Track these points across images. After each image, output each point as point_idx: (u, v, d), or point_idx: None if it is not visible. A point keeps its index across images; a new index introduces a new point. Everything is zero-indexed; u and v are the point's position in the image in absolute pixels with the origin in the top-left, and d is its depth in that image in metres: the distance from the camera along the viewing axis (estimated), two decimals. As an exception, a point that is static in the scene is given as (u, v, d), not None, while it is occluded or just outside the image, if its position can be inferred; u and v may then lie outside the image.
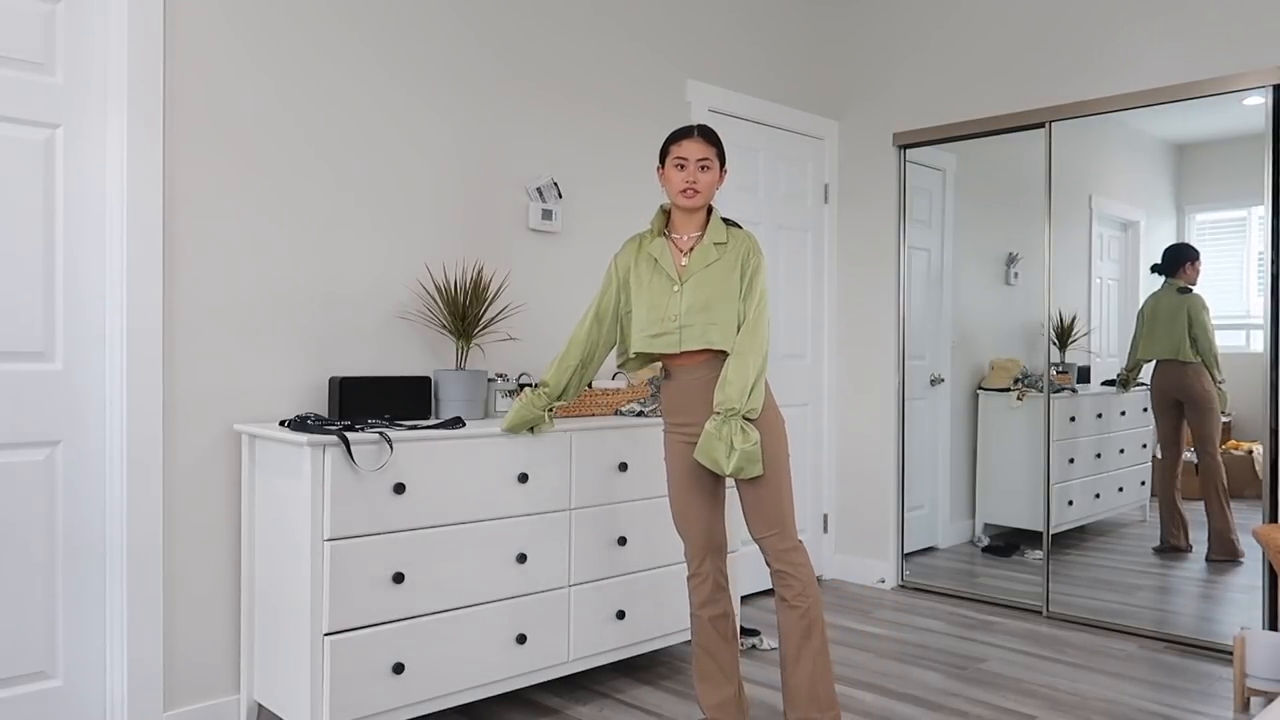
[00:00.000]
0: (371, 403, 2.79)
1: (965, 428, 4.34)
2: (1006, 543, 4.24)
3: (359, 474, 2.47)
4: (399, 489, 2.54)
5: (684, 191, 2.52)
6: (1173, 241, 3.70)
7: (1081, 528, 3.98)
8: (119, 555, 2.53)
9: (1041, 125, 3.99)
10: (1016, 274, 4.15)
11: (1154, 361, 3.75)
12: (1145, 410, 3.80)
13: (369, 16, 3.00)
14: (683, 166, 2.52)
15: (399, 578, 2.53)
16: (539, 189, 3.42)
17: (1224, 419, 3.61)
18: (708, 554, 2.62)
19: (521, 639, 2.80)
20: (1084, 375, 3.95)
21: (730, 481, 2.66)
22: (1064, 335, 3.98)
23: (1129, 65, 3.77)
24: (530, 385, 3.19)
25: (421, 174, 3.13)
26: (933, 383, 4.44)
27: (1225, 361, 3.58)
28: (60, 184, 2.49)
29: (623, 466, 3.06)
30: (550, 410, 2.75)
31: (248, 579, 2.70)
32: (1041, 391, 4.04)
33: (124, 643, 2.52)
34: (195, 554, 2.66)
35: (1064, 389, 3.98)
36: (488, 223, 3.31)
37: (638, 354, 2.62)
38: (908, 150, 4.45)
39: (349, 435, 2.45)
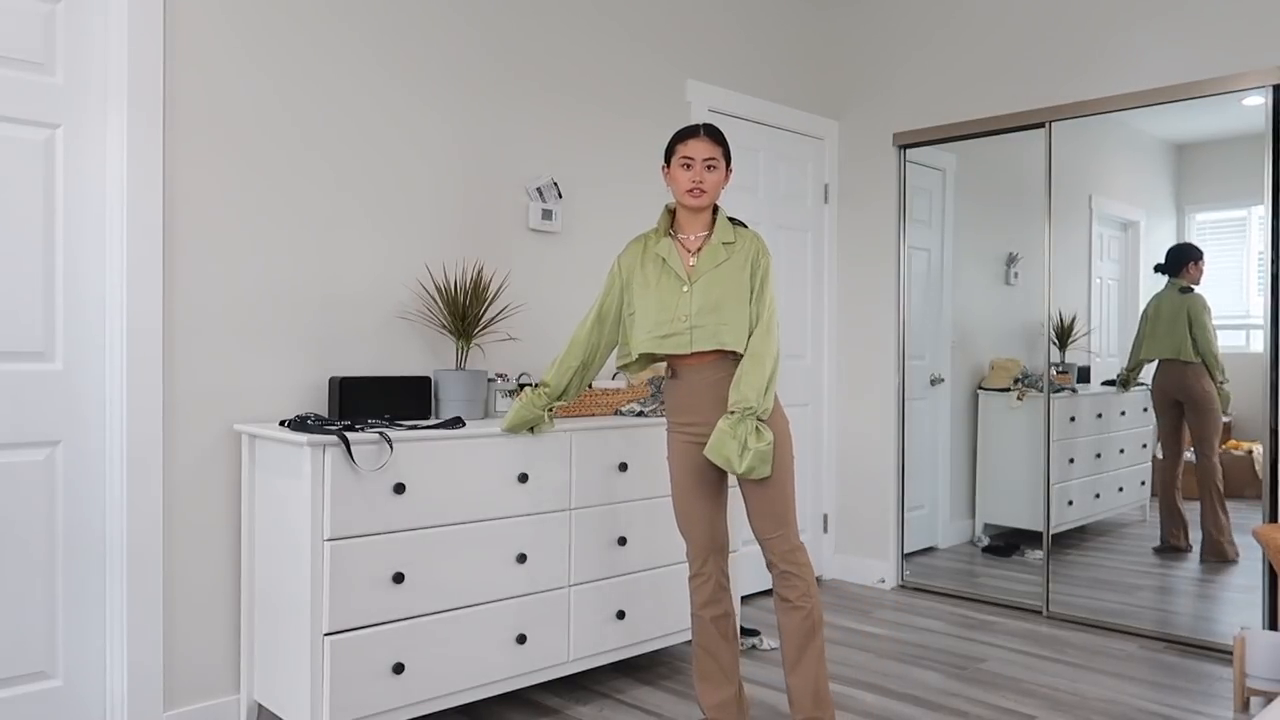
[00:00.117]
0: (371, 403, 2.79)
1: (965, 428, 4.34)
2: (1006, 543, 4.24)
3: (359, 474, 2.47)
4: (399, 489, 2.54)
5: (691, 191, 2.52)
6: (1173, 241, 3.70)
7: (1081, 528, 3.98)
8: (119, 555, 2.53)
9: (1041, 125, 3.99)
10: (1016, 274, 4.15)
11: (1156, 361, 3.75)
12: (1145, 410, 3.80)
13: (369, 16, 3.00)
14: (689, 166, 2.52)
15: (399, 578, 2.53)
16: (539, 189, 3.42)
17: (1224, 419, 3.61)
18: (710, 554, 2.62)
19: (521, 639, 2.80)
20: (1084, 375, 3.95)
21: (733, 481, 2.66)
22: (1064, 335, 3.98)
23: (1129, 65, 3.77)
24: (531, 385, 3.19)
25: (421, 174, 3.13)
26: (933, 383, 4.44)
27: (1225, 361, 3.58)
28: (60, 184, 2.49)
29: (623, 466, 3.06)
30: (550, 410, 2.75)
31: (248, 579, 2.70)
32: (1041, 391, 4.04)
33: (124, 643, 2.52)
34: (195, 554, 2.66)
35: (1064, 389, 3.98)
36: (488, 223, 3.31)
37: (642, 355, 2.60)
38: (908, 150, 4.45)
39: (349, 435, 2.45)
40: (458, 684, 2.67)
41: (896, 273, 4.47)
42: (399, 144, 3.08)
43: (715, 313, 2.49)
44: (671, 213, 2.64)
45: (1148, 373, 3.78)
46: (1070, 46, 3.93)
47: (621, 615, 3.06)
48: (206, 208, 2.68)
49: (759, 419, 2.42)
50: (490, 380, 3.11)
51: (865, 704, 3.00)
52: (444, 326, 3.03)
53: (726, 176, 2.58)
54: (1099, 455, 3.92)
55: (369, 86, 3.01)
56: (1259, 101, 3.45)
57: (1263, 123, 3.44)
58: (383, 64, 3.04)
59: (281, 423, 2.66)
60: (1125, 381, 3.81)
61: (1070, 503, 3.99)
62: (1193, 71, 3.60)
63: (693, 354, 2.52)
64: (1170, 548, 3.74)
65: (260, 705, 2.71)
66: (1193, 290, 3.63)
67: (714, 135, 2.55)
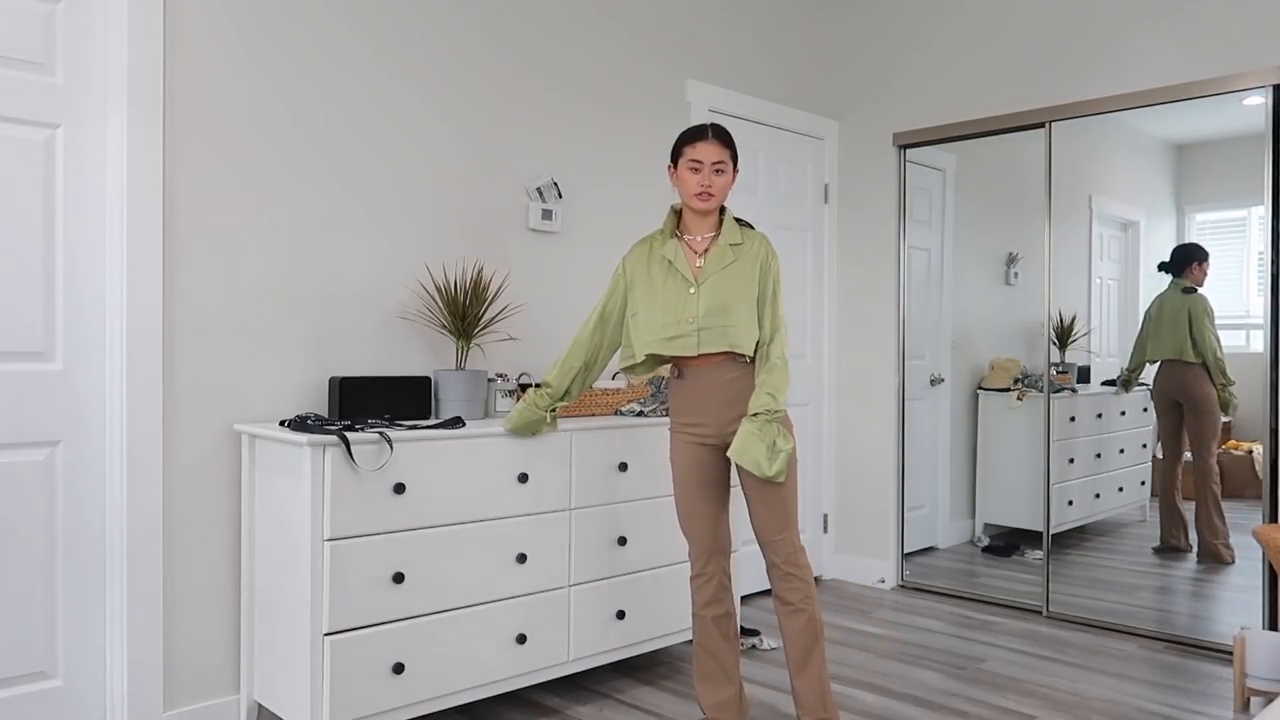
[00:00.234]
0: (371, 403, 2.79)
1: (965, 428, 4.34)
2: (1006, 543, 4.24)
3: (359, 474, 2.47)
4: (399, 489, 2.54)
5: (699, 195, 2.51)
6: (1173, 241, 3.70)
7: (1081, 528, 3.98)
8: (119, 555, 2.53)
9: (1041, 125, 3.99)
10: (1016, 274, 4.15)
11: (1159, 362, 3.75)
12: (1145, 410, 3.80)
13: (369, 16, 3.00)
14: (697, 170, 2.50)
15: (399, 578, 2.53)
16: (539, 189, 3.42)
17: (1224, 419, 3.61)
18: (713, 555, 2.62)
19: (521, 639, 2.80)
20: (1084, 375, 3.95)
21: (735, 481, 2.66)
22: (1064, 335, 3.98)
23: (1129, 65, 3.77)
24: (532, 385, 3.19)
25: (421, 174, 3.13)
26: (933, 383, 4.44)
27: (1226, 362, 3.58)
28: (60, 184, 2.49)
29: (623, 466, 3.06)
30: (553, 411, 2.75)
31: (248, 579, 2.70)
32: (1041, 391, 4.04)
33: (124, 643, 2.52)
34: (195, 554, 2.66)
35: (1064, 389, 3.98)
36: (488, 223, 3.31)
37: (647, 356, 2.58)
38: (908, 150, 4.45)
39: (349, 435, 2.45)
40: (458, 684, 2.67)
41: (896, 273, 4.47)
42: (399, 144, 3.08)
43: (723, 314, 2.49)
44: (677, 213, 2.63)
45: (1149, 373, 3.78)
46: (1070, 46, 3.93)
47: (621, 615, 3.06)
48: (206, 208, 2.68)
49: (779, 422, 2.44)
50: (490, 380, 3.11)
51: (865, 704, 3.00)
52: (444, 326, 3.03)
53: (733, 177, 2.57)
54: (1099, 455, 3.92)
55: (369, 86, 3.01)
56: (1259, 101, 3.45)
57: (1263, 123, 3.44)
58: (383, 64, 3.04)
59: (281, 423, 2.66)
60: (1127, 383, 3.81)
61: (1070, 503, 3.99)
62: (1193, 71, 3.60)
63: (699, 355, 2.52)
64: (1170, 548, 3.74)
65: (260, 705, 2.71)
66: (1195, 291, 3.63)
67: (722, 137, 2.54)
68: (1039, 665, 3.36)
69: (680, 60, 3.97)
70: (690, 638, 3.30)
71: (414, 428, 2.64)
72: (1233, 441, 3.59)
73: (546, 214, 3.45)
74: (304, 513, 2.42)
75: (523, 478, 2.81)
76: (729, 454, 2.44)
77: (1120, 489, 3.88)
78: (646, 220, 3.82)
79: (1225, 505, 3.61)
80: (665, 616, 3.20)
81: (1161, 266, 3.71)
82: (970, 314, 4.32)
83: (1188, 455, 3.70)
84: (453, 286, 3.04)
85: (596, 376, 2.74)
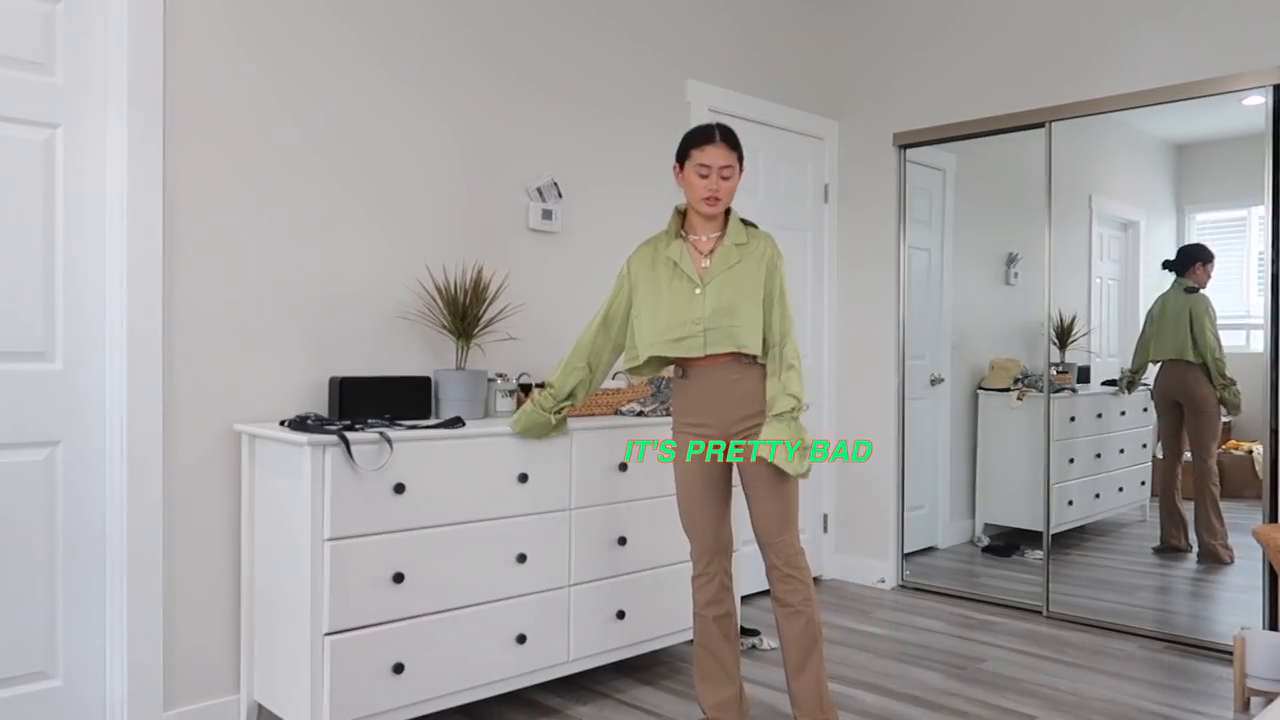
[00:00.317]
0: (371, 403, 2.79)
1: (965, 428, 4.34)
2: (1006, 543, 4.24)
3: (359, 474, 2.47)
4: (399, 489, 2.54)
5: (707, 200, 2.50)
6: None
7: (1081, 528, 3.98)
8: (119, 555, 2.53)
9: (1041, 125, 3.99)
10: (1016, 274, 4.15)
11: (1160, 362, 3.74)
12: (1145, 410, 3.80)
13: (369, 16, 3.00)
14: (705, 175, 2.49)
15: (399, 578, 2.53)
16: (539, 189, 3.42)
17: (1224, 419, 3.61)
18: (714, 555, 2.62)
19: (521, 639, 2.80)
20: (1084, 375, 3.95)
21: (736, 481, 2.66)
22: (1064, 335, 3.98)
23: (1129, 65, 3.77)
24: (534, 385, 3.19)
25: (421, 174, 3.13)
26: (933, 383, 4.44)
27: (1225, 362, 3.58)
28: (60, 184, 2.49)
29: (622, 466, 3.06)
30: (558, 413, 2.75)
31: (248, 579, 2.70)
32: (1041, 391, 4.04)
33: (124, 643, 2.52)
34: (195, 554, 2.66)
35: (1064, 389, 3.98)
36: (488, 223, 3.31)
37: (652, 358, 2.58)
38: (908, 150, 4.45)
39: (349, 435, 2.45)
40: (458, 684, 2.67)
41: (896, 273, 4.47)
42: (399, 144, 3.08)
43: (729, 315, 2.49)
44: (682, 214, 2.63)
45: (1149, 373, 3.78)
46: (1070, 46, 3.93)
47: (621, 615, 3.06)
48: (206, 208, 2.68)
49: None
50: (490, 380, 3.11)
51: (865, 704, 3.00)
52: (444, 326, 3.03)
53: (740, 177, 2.57)
54: (1099, 455, 3.92)
55: (369, 86, 3.01)
56: (1259, 101, 3.45)
57: (1263, 123, 3.44)
58: (383, 64, 3.04)
59: (281, 423, 2.66)
60: (1130, 384, 3.80)
61: (1070, 503, 3.99)
62: (1193, 71, 3.60)
63: (705, 356, 2.52)
64: (1170, 548, 3.74)
65: (260, 705, 2.71)
66: (1197, 290, 3.62)
67: (730, 140, 2.52)
68: (1039, 665, 3.36)
69: (680, 60, 3.97)
70: (690, 638, 3.30)
71: (414, 428, 2.64)
72: (1233, 441, 3.59)
73: (546, 214, 3.45)
74: (304, 513, 2.42)
75: (523, 478, 2.81)
76: (760, 454, 2.42)
77: (1120, 489, 3.88)
78: (646, 220, 3.82)
79: (1225, 505, 3.61)
80: (665, 616, 3.20)
81: (1166, 265, 3.70)
82: (970, 314, 4.32)
83: (1188, 455, 3.70)
84: (453, 286, 3.04)
85: (602, 378, 2.73)
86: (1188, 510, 3.69)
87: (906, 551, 4.47)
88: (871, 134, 4.55)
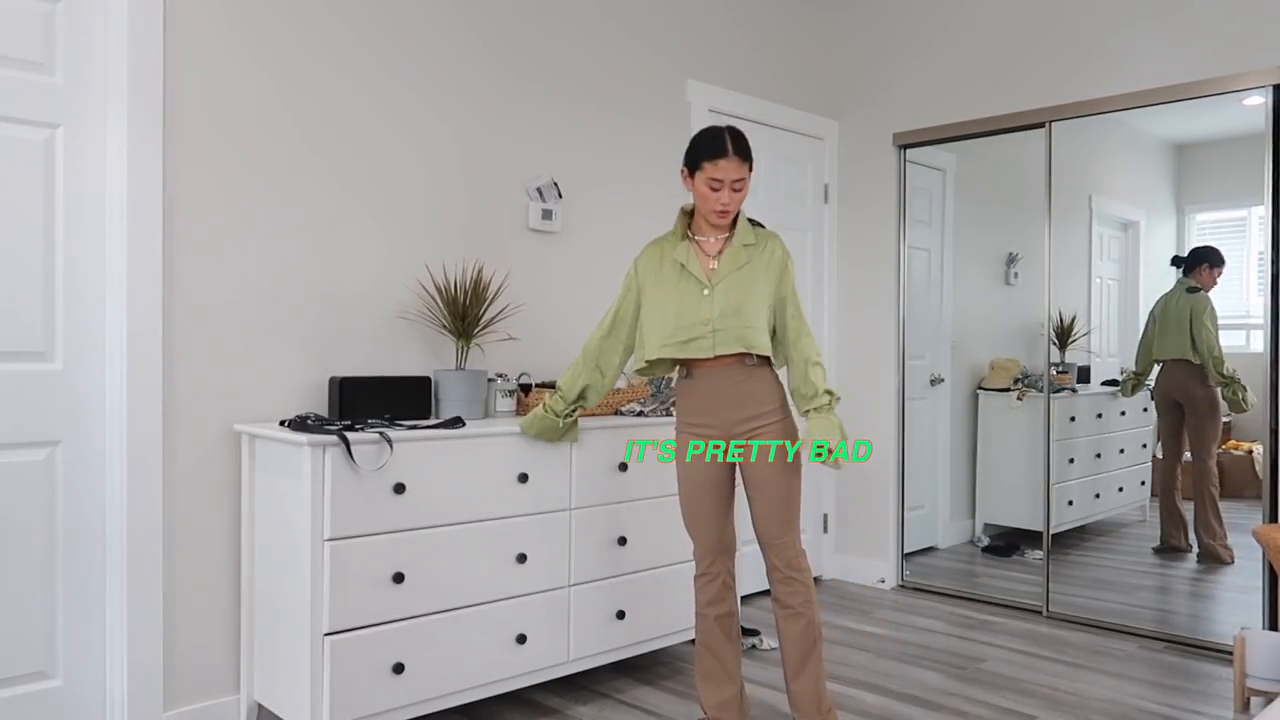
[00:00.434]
0: (371, 403, 2.79)
1: (965, 428, 4.34)
2: (1006, 543, 4.24)
3: (359, 474, 2.47)
4: (399, 489, 2.54)
5: (718, 213, 2.50)
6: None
7: (1081, 528, 3.98)
8: (119, 555, 2.53)
9: (1041, 125, 3.99)
10: (1016, 274, 4.15)
11: (1162, 362, 3.74)
12: (1145, 410, 3.80)
13: (369, 16, 3.00)
14: (717, 189, 2.46)
15: (399, 578, 2.53)
16: (539, 189, 3.42)
17: (1225, 419, 3.61)
18: (718, 554, 2.62)
19: (521, 639, 2.80)
20: (1084, 375, 3.95)
21: (739, 481, 2.66)
22: (1064, 335, 3.98)
23: (1129, 65, 3.77)
24: (533, 385, 3.19)
25: (421, 174, 3.13)
26: (933, 383, 4.44)
27: (1224, 361, 3.58)
28: (60, 184, 2.49)
29: (623, 466, 3.06)
30: (569, 417, 2.75)
31: (248, 579, 2.70)
32: (1041, 391, 4.04)
33: (124, 643, 2.52)
34: (195, 554, 2.66)
35: (1064, 389, 3.98)
36: (488, 223, 3.31)
37: (660, 359, 2.58)
38: (908, 150, 4.45)
39: (349, 435, 2.45)
40: (458, 684, 2.67)
41: (896, 273, 4.47)
42: (399, 144, 3.08)
43: (738, 316, 2.48)
44: (688, 214, 2.62)
45: (1152, 374, 3.77)
46: (1070, 46, 3.93)
47: (621, 615, 3.06)
48: (206, 208, 2.68)
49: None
50: (490, 380, 3.11)
51: (865, 704, 3.00)
52: (444, 326, 3.03)
53: (749, 184, 2.56)
54: (1099, 455, 3.92)
55: (369, 86, 3.01)
56: (1259, 101, 3.45)
57: (1263, 123, 3.44)
58: (383, 64, 3.04)
59: (281, 423, 2.66)
60: (1134, 387, 3.79)
61: (1070, 503, 3.99)
62: (1193, 71, 3.60)
63: (714, 357, 2.52)
64: (1170, 548, 3.74)
65: (260, 705, 2.71)
66: (1200, 290, 3.62)
67: (742, 152, 2.47)
68: (1039, 665, 3.36)
69: (680, 60, 3.97)
70: (690, 638, 3.30)
71: (414, 428, 2.64)
72: (1233, 441, 3.59)
73: (546, 214, 3.45)
74: (304, 513, 2.42)
75: (523, 478, 2.81)
76: (816, 447, 2.46)
77: (1120, 489, 3.88)
78: (646, 220, 3.82)
79: (1225, 505, 3.61)
80: (665, 616, 3.20)
81: (1175, 261, 3.68)
82: (970, 314, 4.32)
83: (1188, 455, 3.70)
84: (453, 286, 3.04)
85: (614, 380, 2.73)
86: (1188, 510, 3.69)
87: (906, 551, 4.47)
88: (871, 134, 4.55)
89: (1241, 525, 3.54)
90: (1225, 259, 3.56)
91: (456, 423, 2.76)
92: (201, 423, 2.67)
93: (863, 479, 4.57)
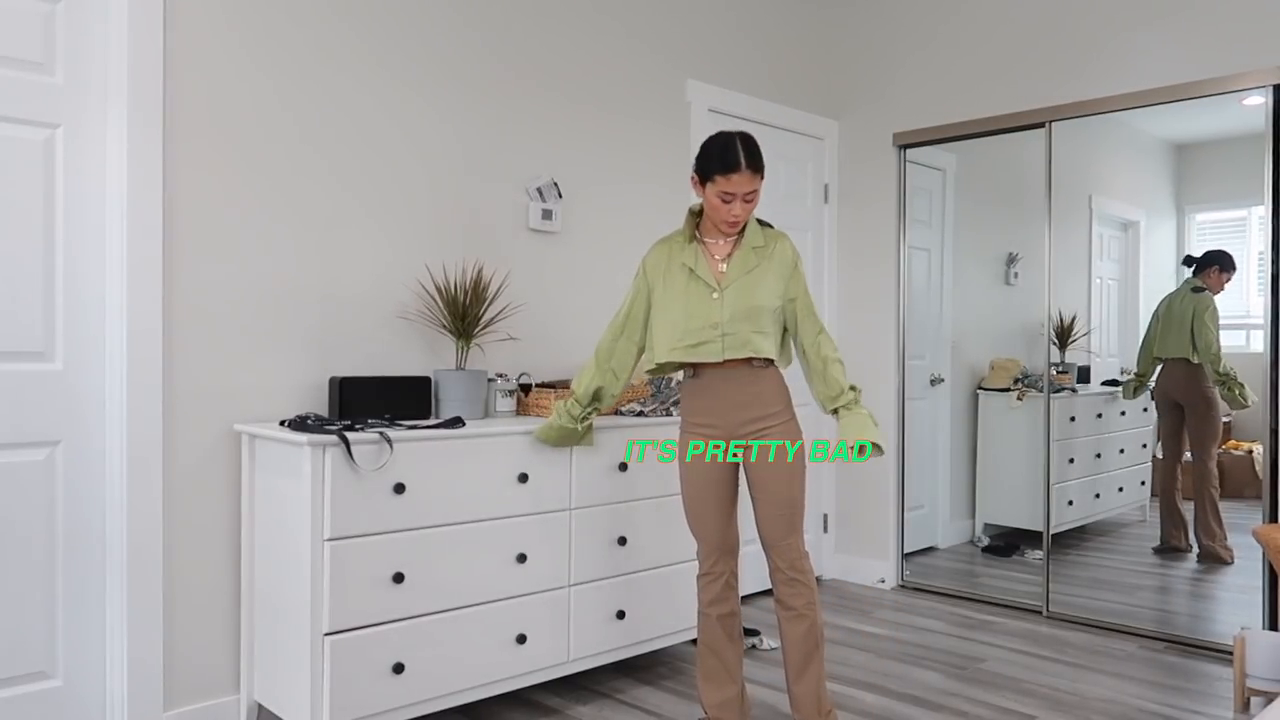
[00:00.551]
0: (371, 403, 2.79)
1: (965, 428, 4.34)
2: (1006, 543, 4.24)
3: (359, 474, 2.47)
4: (399, 489, 2.54)
5: (729, 224, 2.49)
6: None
7: (1081, 528, 3.98)
8: (119, 555, 2.53)
9: (1041, 125, 3.99)
10: (1016, 274, 4.15)
11: (1163, 361, 3.74)
12: (1145, 410, 3.80)
13: (369, 17, 3.00)
14: (729, 201, 2.45)
15: (399, 578, 2.53)
16: (539, 189, 3.42)
17: (1224, 419, 3.61)
18: (722, 554, 2.62)
19: (521, 639, 2.80)
20: (1084, 375, 3.95)
21: (743, 483, 2.66)
22: (1064, 335, 3.98)
23: (1129, 65, 3.77)
24: (533, 385, 3.19)
25: (421, 174, 3.13)
26: (933, 383, 4.44)
27: (1221, 359, 3.58)
28: (60, 184, 2.49)
29: (622, 466, 3.06)
30: (585, 422, 2.75)
31: (248, 579, 2.70)
32: (1041, 391, 4.04)
33: (124, 643, 2.52)
34: (195, 554, 2.66)
35: (1064, 389, 3.98)
36: (488, 223, 3.31)
37: (667, 363, 2.58)
38: (908, 150, 4.45)
39: (349, 435, 2.45)
40: (458, 684, 2.67)
41: (896, 273, 4.47)
42: (399, 144, 3.08)
43: (748, 320, 2.48)
44: (697, 215, 2.61)
45: (1154, 375, 3.77)
46: (1070, 46, 3.93)
47: (621, 615, 3.06)
48: (206, 208, 2.68)
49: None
50: (490, 380, 3.11)
51: (865, 704, 3.00)
52: (444, 326, 3.03)
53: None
54: (1099, 455, 3.92)
55: (369, 86, 3.01)
56: (1259, 101, 3.45)
57: (1263, 123, 3.44)
58: (383, 64, 3.04)
59: (281, 423, 2.66)
60: (1136, 389, 3.79)
61: (1070, 503, 3.99)
62: (1193, 71, 3.60)
63: (723, 361, 2.52)
64: (1170, 548, 3.74)
65: (260, 705, 2.71)
66: (1204, 290, 3.61)
67: (755, 164, 2.45)
68: (1039, 665, 3.36)
69: (680, 60, 3.97)
70: (690, 637, 3.30)
71: (414, 428, 2.64)
72: (1233, 441, 3.59)
73: (546, 214, 3.45)
74: (304, 513, 2.42)
75: (523, 478, 2.81)
76: (855, 444, 2.47)
77: (1120, 489, 3.88)
78: (646, 220, 3.82)
79: (1225, 505, 3.61)
80: (665, 617, 3.20)
81: (1187, 261, 3.66)
82: (970, 314, 4.32)
83: (1188, 455, 3.70)
84: (453, 286, 3.05)
85: (627, 380, 2.73)
86: (1187, 510, 3.69)
87: (906, 551, 4.47)
88: (871, 134, 4.55)
89: (1241, 525, 3.54)
90: (1236, 265, 3.55)
91: (456, 423, 2.76)
92: (201, 423, 2.67)
93: (863, 479, 4.57)
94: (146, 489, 2.55)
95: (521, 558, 2.80)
